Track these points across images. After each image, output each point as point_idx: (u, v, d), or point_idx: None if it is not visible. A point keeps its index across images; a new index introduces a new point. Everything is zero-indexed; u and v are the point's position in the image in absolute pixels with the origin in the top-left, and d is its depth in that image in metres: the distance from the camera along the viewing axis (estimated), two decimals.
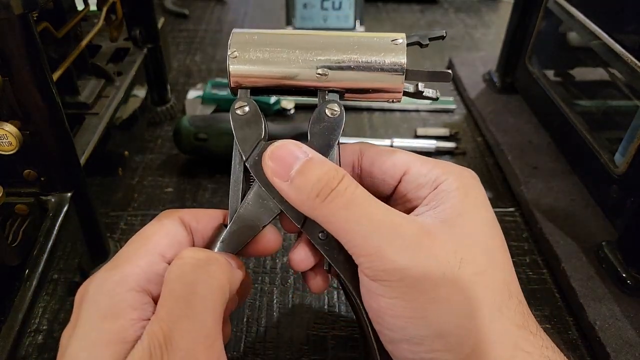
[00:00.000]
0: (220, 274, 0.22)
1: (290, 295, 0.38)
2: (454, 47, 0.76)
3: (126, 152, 0.49)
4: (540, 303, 0.38)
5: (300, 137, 0.25)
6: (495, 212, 0.25)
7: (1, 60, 0.27)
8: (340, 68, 0.25)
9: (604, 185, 0.42)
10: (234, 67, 0.25)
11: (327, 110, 0.25)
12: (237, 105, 0.26)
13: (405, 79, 0.25)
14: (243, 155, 0.25)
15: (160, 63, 0.54)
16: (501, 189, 0.49)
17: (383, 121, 0.59)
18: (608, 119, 0.46)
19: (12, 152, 0.29)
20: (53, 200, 0.33)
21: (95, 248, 0.38)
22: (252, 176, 0.25)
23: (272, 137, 0.25)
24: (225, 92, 0.59)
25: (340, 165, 0.25)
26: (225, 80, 0.54)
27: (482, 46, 0.76)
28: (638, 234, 0.37)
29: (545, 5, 0.51)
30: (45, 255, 0.31)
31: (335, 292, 0.38)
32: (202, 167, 0.50)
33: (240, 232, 0.25)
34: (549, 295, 0.39)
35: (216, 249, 0.25)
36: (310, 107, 0.25)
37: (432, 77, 0.25)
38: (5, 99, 0.29)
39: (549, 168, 0.48)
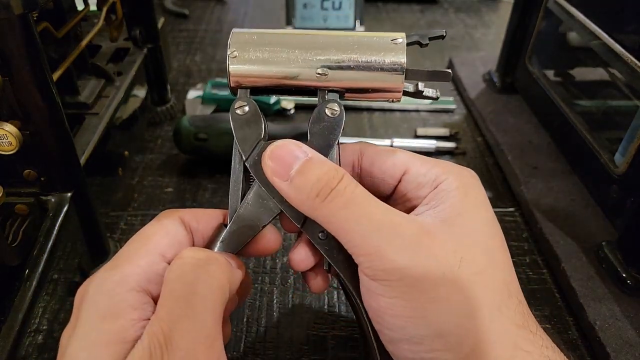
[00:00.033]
0: (220, 273, 0.22)
1: (290, 295, 0.38)
2: (454, 47, 0.76)
3: (126, 152, 0.49)
4: (540, 303, 0.38)
5: (301, 137, 0.25)
6: (495, 212, 0.25)
7: (1, 60, 0.27)
8: (340, 68, 0.25)
9: (604, 185, 0.42)
10: (233, 67, 0.25)
11: (327, 110, 0.25)
12: (236, 105, 0.26)
13: (405, 79, 0.25)
14: (243, 155, 0.25)
15: (160, 63, 0.54)
16: (501, 189, 0.49)
17: (383, 121, 0.59)
18: (608, 119, 0.46)
19: (12, 152, 0.29)
20: (53, 200, 0.33)
21: (95, 248, 0.38)
22: (252, 176, 0.25)
23: (272, 137, 0.25)
24: (225, 92, 0.59)
25: (340, 165, 0.25)
26: (225, 80, 0.54)
27: (482, 46, 0.76)
28: (638, 234, 0.37)
29: (545, 5, 0.51)
30: (45, 255, 0.31)
31: (335, 292, 0.38)
32: (202, 167, 0.50)
33: (240, 232, 0.25)
34: (549, 295, 0.39)
35: (216, 249, 0.25)
36: (310, 107, 0.25)
37: (432, 76, 0.25)
38: (5, 99, 0.29)
39: (549, 168, 0.48)
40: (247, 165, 0.25)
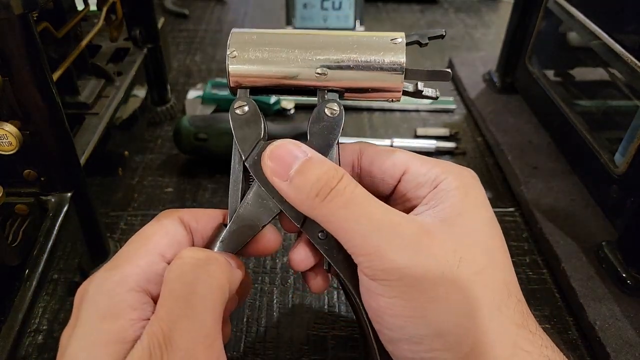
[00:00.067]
0: (220, 273, 0.22)
1: (290, 295, 0.38)
2: (454, 47, 0.76)
3: (126, 152, 0.49)
4: (540, 303, 0.38)
5: (300, 137, 0.25)
6: (495, 212, 0.25)
7: (1, 60, 0.27)
8: (340, 67, 0.25)
9: (604, 185, 0.42)
10: (233, 67, 0.25)
11: (326, 110, 0.25)
12: (236, 105, 0.26)
13: (405, 78, 0.25)
14: (242, 155, 0.25)
15: (160, 63, 0.54)
16: (501, 189, 0.49)
17: (383, 121, 0.59)
18: (608, 119, 0.46)
19: (12, 152, 0.29)
20: (53, 200, 0.33)
21: (95, 248, 0.38)
22: (251, 176, 0.25)
23: (272, 137, 0.25)
24: (225, 92, 0.59)
25: (339, 165, 0.25)
26: (225, 80, 0.54)
27: (482, 46, 0.76)
28: (638, 234, 0.37)
29: (545, 5, 0.51)
30: (45, 255, 0.31)
31: (335, 292, 0.38)
32: (202, 167, 0.50)
33: (239, 231, 0.25)
34: (549, 295, 0.39)
35: (216, 249, 0.25)
36: (311, 107, 0.25)
37: (432, 76, 0.25)
38: (5, 99, 0.29)
39: (549, 168, 0.48)
40: (247, 165, 0.25)
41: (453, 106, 0.60)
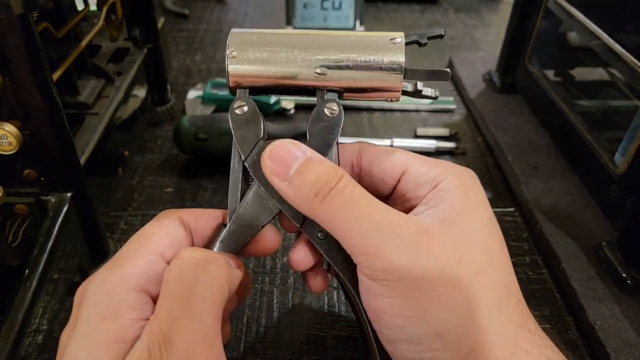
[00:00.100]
0: (220, 273, 0.22)
1: (290, 295, 0.38)
2: (454, 47, 0.76)
3: (126, 152, 0.49)
4: (540, 303, 0.38)
5: (300, 137, 0.25)
6: (495, 212, 0.25)
7: (1, 60, 0.27)
8: (339, 67, 0.25)
9: (604, 185, 0.42)
10: (232, 67, 0.25)
11: (325, 110, 0.25)
12: (235, 105, 0.26)
13: (404, 78, 0.25)
14: (242, 155, 0.25)
15: (160, 63, 0.54)
16: (501, 189, 0.49)
17: (383, 121, 0.59)
18: (608, 119, 0.46)
19: (12, 152, 0.29)
20: (53, 200, 0.33)
21: (95, 248, 0.38)
22: (251, 176, 0.25)
23: (271, 137, 0.25)
24: (225, 92, 0.59)
25: (339, 165, 0.25)
26: (225, 80, 0.54)
27: (482, 46, 0.76)
28: (638, 234, 0.37)
29: (545, 5, 0.51)
30: (45, 255, 0.31)
31: (335, 292, 0.38)
32: (202, 167, 0.51)
33: (239, 231, 0.25)
34: (549, 295, 0.39)
35: (215, 249, 0.25)
36: (311, 107, 0.25)
37: (431, 76, 0.25)
38: (5, 99, 0.29)
39: (549, 168, 0.48)
40: (246, 165, 0.25)
41: (453, 106, 0.60)
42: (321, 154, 0.24)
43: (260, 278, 0.40)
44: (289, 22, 0.71)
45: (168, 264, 0.23)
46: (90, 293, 0.22)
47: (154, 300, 0.22)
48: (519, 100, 0.58)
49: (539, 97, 0.53)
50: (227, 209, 0.26)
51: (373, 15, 0.85)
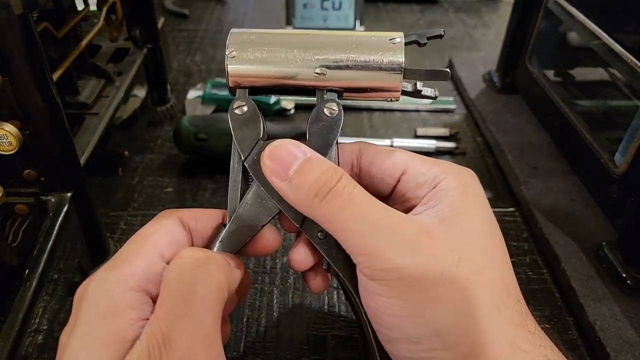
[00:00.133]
0: (219, 273, 0.22)
1: (290, 295, 0.38)
2: (454, 47, 0.76)
3: (126, 152, 0.49)
4: (540, 303, 0.38)
5: (300, 137, 0.25)
6: (495, 212, 0.25)
7: (1, 60, 0.27)
8: (339, 67, 0.25)
9: (604, 185, 0.42)
10: (232, 67, 0.25)
11: (325, 110, 0.25)
12: (235, 105, 0.26)
13: (404, 78, 0.25)
14: (242, 155, 0.25)
15: (160, 63, 0.54)
16: (501, 189, 0.49)
17: (383, 121, 0.59)
18: (608, 119, 0.46)
19: (12, 152, 0.29)
20: (53, 200, 0.33)
21: (95, 248, 0.38)
22: (250, 176, 0.25)
23: (271, 137, 0.25)
24: (225, 92, 0.59)
25: (338, 165, 0.25)
26: (225, 80, 0.54)
27: (482, 46, 0.76)
28: (638, 234, 0.37)
29: (545, 5, 0.51)
30: (45, 255, 0.31)
31: (335, 292, 0.38)
32: (202, 167, 0.51)
33: (239, 231, 0.25)
34: (549, 295, 0.39)
35: (215, 249, 0.25)
36: (311, 107, 0.25)
37: (431, 75, 0.25)
38: (5, 99, 0.29)
39: (549, 168, 0.48)
40: (246, 165, 0.25)
41: (453, 106, 0.60)
42: (321, 154, 0.24)
43: (260, 278, 0.40)
44: (289, 22, 0.71)
45: (168, 264, 0.23)
46: (90, 293, 0.22)
47: (154, 300, 0.22)
48: (519, 100, 0.58)
49: (539, 97, 0.53)
50: (226, 209, 0.26)
51: (373, 15, 0.85)
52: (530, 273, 0.41)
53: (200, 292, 0.21)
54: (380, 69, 0.25)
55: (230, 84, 0.26)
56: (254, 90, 0.26)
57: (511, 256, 0.24)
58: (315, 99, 0.26)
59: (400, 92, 0.26)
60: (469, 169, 0.26)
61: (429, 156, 0.27)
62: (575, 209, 0.44)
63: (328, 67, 0.25)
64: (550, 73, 0.53)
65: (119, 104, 0.44)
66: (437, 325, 0.21)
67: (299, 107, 0.59)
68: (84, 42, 0.41)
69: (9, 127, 0.29)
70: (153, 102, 0.57)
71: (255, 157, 0.25)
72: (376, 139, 0.54)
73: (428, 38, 0.26)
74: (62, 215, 0.33)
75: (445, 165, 0.26)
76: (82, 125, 0.40)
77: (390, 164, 0.26)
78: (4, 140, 0.29)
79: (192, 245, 0.25)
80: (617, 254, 0.37)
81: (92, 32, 0.42)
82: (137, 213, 0.45)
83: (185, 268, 0.22)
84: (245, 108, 0.26)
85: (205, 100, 0.59)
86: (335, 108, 0.25)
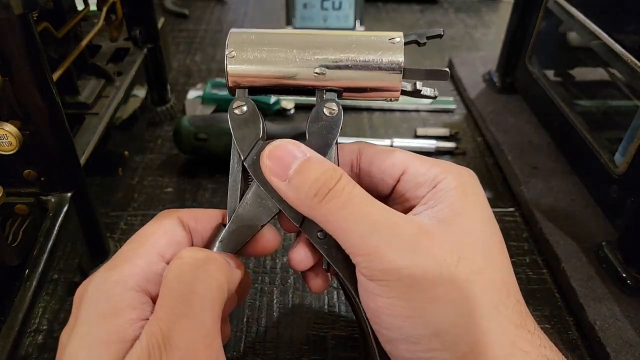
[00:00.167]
0: (219, 273, 0.22)
1: (290, 295, 0.38)
2: (454, 47, 0.76)
3: (126, 152, 0.49)
4: (540, 303, 0.38)
5: (300, 137, 0.25)
6: (495, 212, 0.25)
7: (1, 60, 0.27)
8: (338, 67, 0.25)
9: (604, 185, 0.42)
10: (231, 67, 0.25)
11: (325, 110, 0.25)
12: (235, 104, 0.26)
13: (403, 78, 0.25)
14: (241, 155, 0.25)
15: (160, 63, 0.54)
16: (501, 189, 0.49)
17: (383, 121, 0.59)
18: (608, 119, 0.46)
19: (12, 152, 0.29)
20: (53, 200, 0.33)
21: (95, 248, 0.38)
22: (250, 176, 0.25)
23: (271, 137, 0.25)
24: (225, 92, 0.59)
25: (338, 165, 0.25)
26: (225, 80, 0.54)
27: (482, 46, 0.76)
28: (638, 234, 0.37)
29: (545, 5, 0.51)
30: (45, 255, 0.31)
31: (335, 292, 0.38)
32: (202, 167, 0.51)
33: (239, 231, 0.25)
34: (549, 295, 0.39)
35: (215, 249, 0.25)
36: (311, 107, 0.25)
37: (430, 75, 0.25)
38: (5, 99, 0.29)
39: (549, 168, 0.48)
40: (246, 165, 0.25)
41: (453, 106, 0.60)
42: (320, 153, 0.24)
43: (260, 278, 0.40)
44: (289, 22, 0.71)
45: (167, 264, 0.23)
46: (90, 293, 0.22)
47: (154, 300, 0.22)
48: (519, 100, 0.58)
49: (539, 97, 0.53)
50: (226, 209, 0.26)
51: (373, 15, 0.85)
52: (530, 273, 0.41)
53: (200, 292, 0.21)
54: (380, 68, 0.25)
55: (230, 84, 0.26)
56: (254, 90, 0.26)
57: (511, 256, 0.24)
58: (314, 98, 0.26)
59: (399, 92, 0.26)
60: (468, 169, 0.26)
61: (429, 156, 0.27)
62: (575, 209, 0.44)
63: (327, 67, 0.25)
64: (550, 73, 0.53)
65: (119, 104, 0.44)
66: (437, 325, 0.21)
67: (298, 107, 0.59)
68: (84, 42, 0.41)
69: (9, 127, 0.29)
70: (153, 102, 0.57)
71: (254, 157, 0.25)
72: (376, 139, 0.54)
73: (427, 38, 0.26)
74: (62, 215, 0.33)
75: (445, 165, 0.26)
76: (82, 125, 0.40)
77: (389, 164, 0.26)
78: (4, 140, 0.29)
79: (192, 245, 0.25)
80: (617, 254, 0.37)
81: (92, 32, 0.42)
82: (137, 213, 0.45)
83: (185, 268, 0.22)
84: (245, 108, 0.26)
85: (205, 100, 0.59)
86: (334, 108, 0.25)
